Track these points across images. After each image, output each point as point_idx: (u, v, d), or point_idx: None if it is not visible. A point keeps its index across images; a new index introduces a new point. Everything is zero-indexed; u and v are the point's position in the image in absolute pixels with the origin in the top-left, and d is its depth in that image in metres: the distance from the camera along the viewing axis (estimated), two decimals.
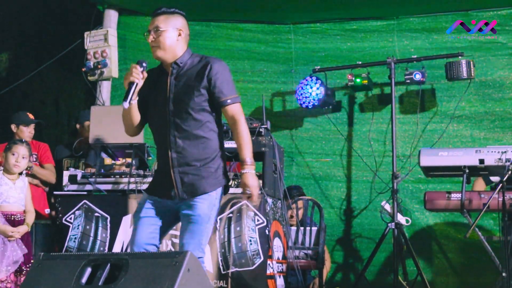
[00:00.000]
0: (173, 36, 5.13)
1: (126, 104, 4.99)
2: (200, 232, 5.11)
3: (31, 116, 8.30)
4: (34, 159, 8.09)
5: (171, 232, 6.49)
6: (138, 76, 5.02)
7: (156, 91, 5.16)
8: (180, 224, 5.17)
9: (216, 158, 5.14)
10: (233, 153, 6.72)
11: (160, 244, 5.20)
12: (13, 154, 6.97)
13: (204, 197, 5.09)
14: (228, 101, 5.12)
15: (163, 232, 5.23)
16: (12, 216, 6.89)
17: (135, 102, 5.07)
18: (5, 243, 6.75)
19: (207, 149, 5.12)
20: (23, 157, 7.01)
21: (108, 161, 7.39)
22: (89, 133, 7.45)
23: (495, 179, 7.55)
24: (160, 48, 5.10)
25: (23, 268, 6.81)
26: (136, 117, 5.17)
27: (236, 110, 5.14)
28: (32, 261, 6.79)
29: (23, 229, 6.87)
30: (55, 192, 7.33)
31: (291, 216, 7.90)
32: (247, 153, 5.07)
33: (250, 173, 5.04)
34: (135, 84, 5.00)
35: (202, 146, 5.09)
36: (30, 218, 7.02)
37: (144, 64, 5.06)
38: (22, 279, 6.67)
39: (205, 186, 5.08)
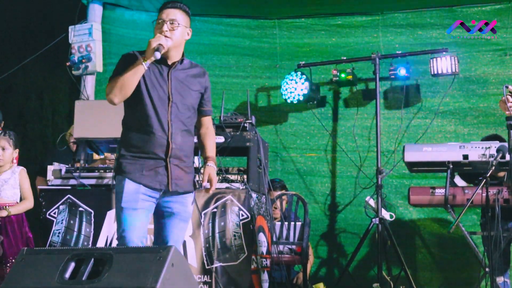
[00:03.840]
0: (183, 34, 5.20)
1: (158, 55, 4.96)
2: (185, 231, 5.34)
3: None
4: None
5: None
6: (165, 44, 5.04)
7: (155, 78, 5.15)
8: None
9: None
10: (217, 147, 6.72)
11: None
12: None
13: (191, 195, 5.26)
14: (211, 112, 5.42)
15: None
16: None
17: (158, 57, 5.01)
18: None
19: (192, 147, 5.25)
20: (3, 149, 6.95)
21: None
22: None
23: (460, 182, 7.59)
24: (172, 41, 5.10)
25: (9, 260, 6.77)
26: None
27: (211, 120, 5.51)
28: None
29: None
30: (39, 187, 7.28)
31: (275, 208, 7.91)
32: (214, 152, 5.37)
33: (214, 168, 5.26)
34: (161, 48, 5.00)
35: (190, 143, 5.23)
36: (17, 206, 6.93)
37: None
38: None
39: (191, 183, 5.24)
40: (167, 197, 5.14)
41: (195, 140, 5.34)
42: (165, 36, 5.05)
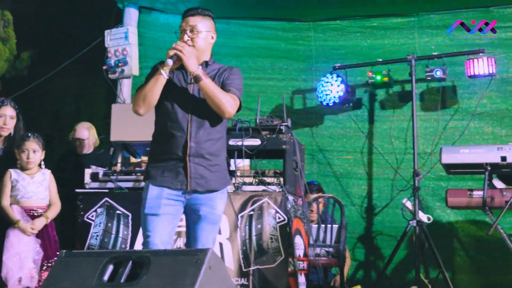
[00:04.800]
0: (207, 39, 5.25)
1: (170, 62, 5.02)
2: (216, 232, 5.35)
3: None
4: None
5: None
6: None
7: (178, 82, 5.23)
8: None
9: (224, 158, 5.33)
10: (253, 150, 6.72)
11: None
12: (24, 152, 6.94)
13: (221, 196, 5.25)
14: (233, 92, 5.18)
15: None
16: (32, 212, 6.86)
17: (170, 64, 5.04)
18: (21, 241, 6.74)
19: (220, 146, 5.27)
20: (34, 151, 6.98)
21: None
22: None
23: (498, 184, 7.52)
24: (195, 48, 5.16)
25: (44, 263, 6.80)
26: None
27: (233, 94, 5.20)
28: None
29: (39, 222, 6.82)
30: (76, 190, 7.32)
31: (311, 210, 7.90)
32: (210, 79, 5.11)
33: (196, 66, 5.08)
34: (175, 57, 5.05)
35: (215, 142, 5.21)
36: (51, 211, 6.97)
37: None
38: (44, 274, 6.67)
39: (218, 181, 5.22)
40: (194, 199, 5.17)
41: (229, 142, 5.36)
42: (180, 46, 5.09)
